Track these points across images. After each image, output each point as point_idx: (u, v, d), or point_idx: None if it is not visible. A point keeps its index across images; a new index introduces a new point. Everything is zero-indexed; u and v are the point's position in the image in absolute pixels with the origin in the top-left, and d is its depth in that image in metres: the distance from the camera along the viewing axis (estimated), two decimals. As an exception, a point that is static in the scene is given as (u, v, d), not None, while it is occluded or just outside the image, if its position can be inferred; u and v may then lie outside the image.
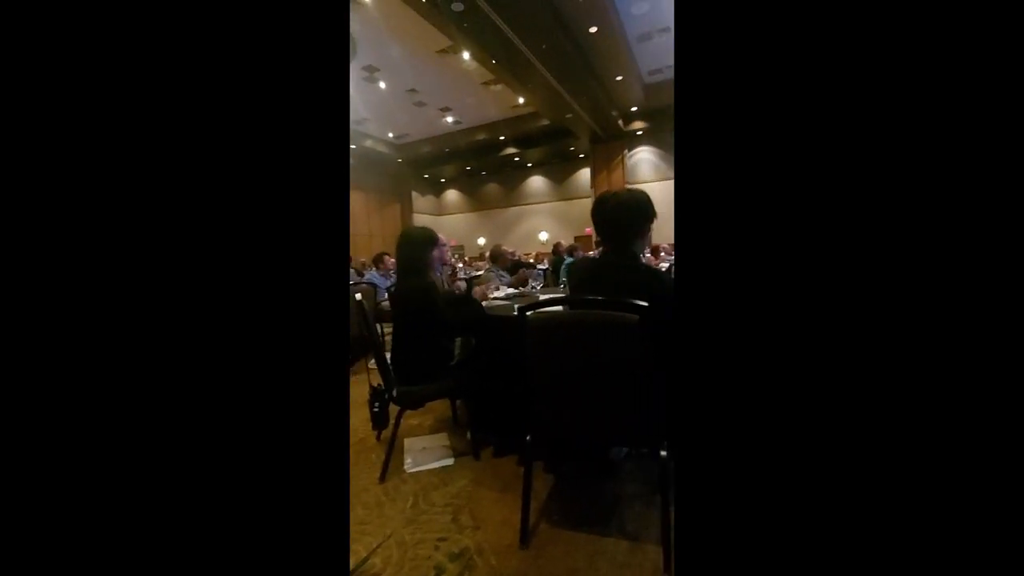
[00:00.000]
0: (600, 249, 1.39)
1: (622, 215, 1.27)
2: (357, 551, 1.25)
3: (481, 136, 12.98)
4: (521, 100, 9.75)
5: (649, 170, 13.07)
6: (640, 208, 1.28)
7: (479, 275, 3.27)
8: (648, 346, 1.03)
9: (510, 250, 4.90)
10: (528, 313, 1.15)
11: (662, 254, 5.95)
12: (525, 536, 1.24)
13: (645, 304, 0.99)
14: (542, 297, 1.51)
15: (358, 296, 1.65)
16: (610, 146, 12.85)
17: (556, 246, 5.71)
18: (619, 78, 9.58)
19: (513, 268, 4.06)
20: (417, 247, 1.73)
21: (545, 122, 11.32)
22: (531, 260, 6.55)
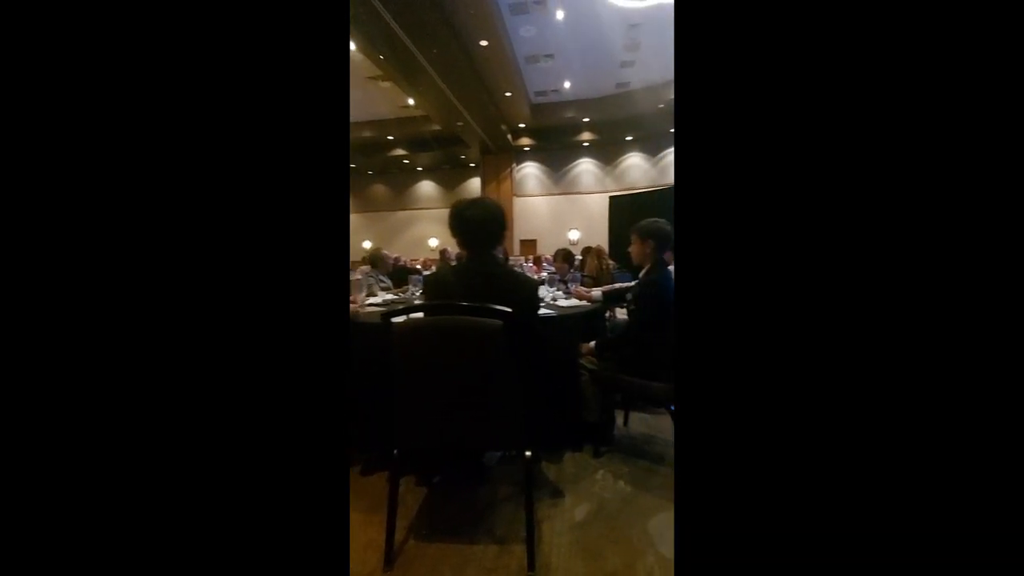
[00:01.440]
0: (462, 256, 1.40)
1: (483, 223, 1.29)
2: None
3: (367, 133, 12.31)
4: (411, 101, 9.52)
5: (536, 185, 13.86)
6: (498, 216, 1.32)
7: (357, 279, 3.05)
8: (515, 350, 1.06)
9: (394, 255, 4.69)
10: (393, 320, 1.10)
11: (544, 264, 6.32)
12: (390, 557, 1.17)
13: (508, 310, 1.03)
14: (427, 295, 1.46)
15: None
16: (500, 158, 13.31)
17: (443, 252, 5.66)
18: (508, 94, 10.01)
19: (396, 273, 3.89)
20: None
21: (436, 127, 11.22)
22: (417, 266, 6.37)
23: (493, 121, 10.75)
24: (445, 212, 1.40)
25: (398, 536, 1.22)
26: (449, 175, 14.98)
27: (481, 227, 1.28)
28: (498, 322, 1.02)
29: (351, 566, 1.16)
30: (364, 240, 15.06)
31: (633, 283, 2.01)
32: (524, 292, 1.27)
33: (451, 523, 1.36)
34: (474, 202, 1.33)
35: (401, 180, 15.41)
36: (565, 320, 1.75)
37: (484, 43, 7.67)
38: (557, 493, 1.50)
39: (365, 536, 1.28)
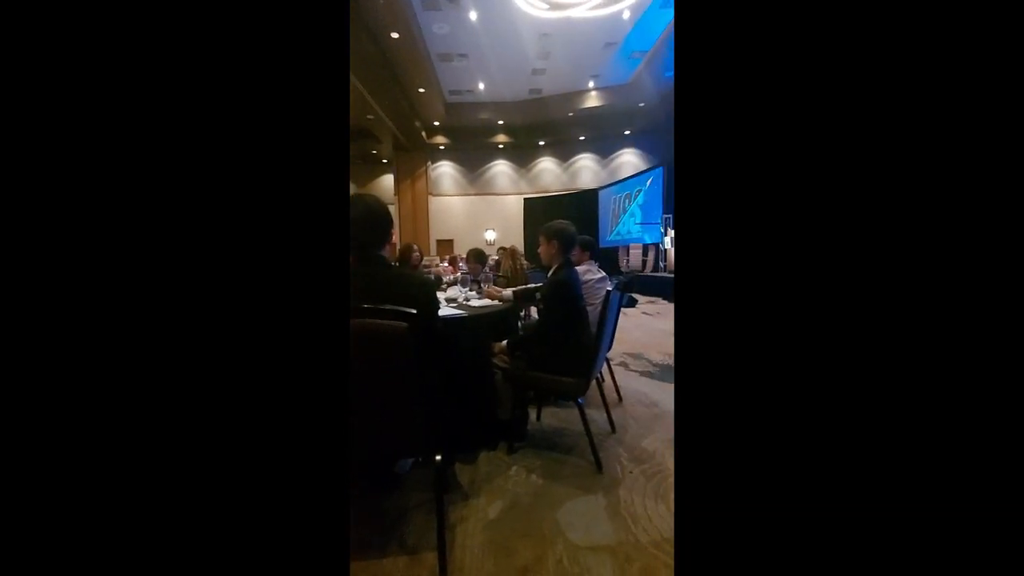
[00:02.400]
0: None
1: (366, 221, 1.19)
2: None
3: (263, 121, 11.13)
4: (314, 90, 8.83)
5: (451, 184, 13.74)
6: (382, 214, 1.23)
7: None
8: (421, 351, 1.03)
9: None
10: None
11: (460, 264, 6.29)
12: (286, 586, 1.06)
13: (413, 311, 1.00)
14: None
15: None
16: (414, 155, 12.95)
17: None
18: (421, 90, 9.79)
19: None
20: None
21: (344, 119, 10.53)
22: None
23: (406, 117, 10.42)
24: (355, 208, 1.28)
25: (296, 562, 1.12)
26: (360, 170, 14.19)
27: (364, 226, 1.18)
28: (402, 324, 0.99)
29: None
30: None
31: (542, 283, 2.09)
32: (420, 293, 1.20)
33: (360, 536, 1.28)
34: (354, 199, 1.19)
35: (304, 174, 14.21)
36: (477, 320, 1.76)
37: (395, 35, 7.40)
38: (471, 494, 1.50)
39: (256, 568, 1.15)
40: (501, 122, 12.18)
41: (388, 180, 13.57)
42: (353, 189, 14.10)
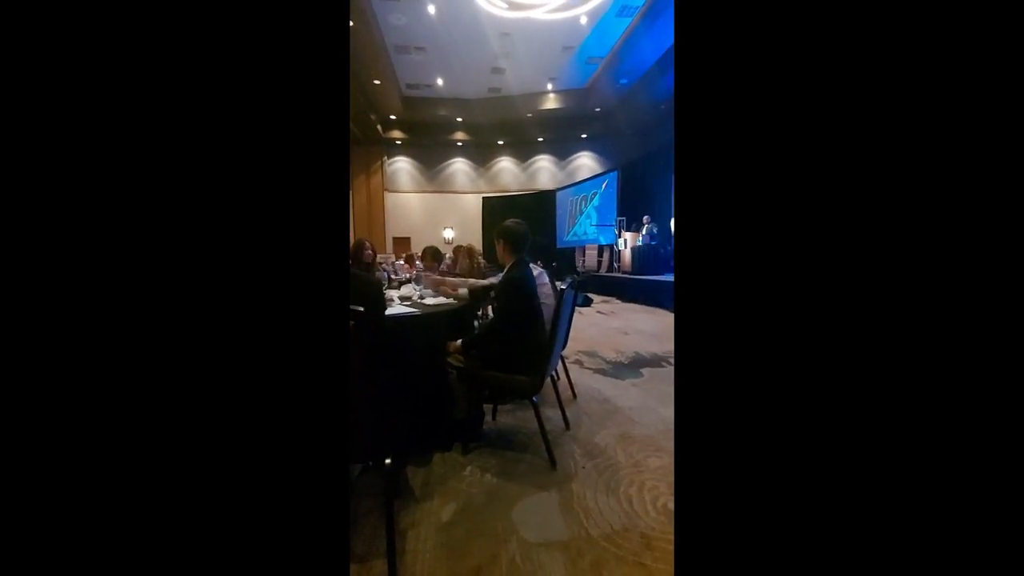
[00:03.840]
0: None
1: None
2: None
3: (201, 105, 10.33)
4: (260, 75, 8.31)
5: (408, 181, 13.42)
6: None
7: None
8: (367, 352, 0.99)
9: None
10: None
11: (418, 263, 6.15)
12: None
13: (360, 308, 0.95)
14: None
15: None
16: (370, 150, 12.54)
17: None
18: (377, 82, 9.49)
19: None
20: None
21: (292, 108, 10.00)
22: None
23: (361, 108, 10.06)
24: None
25: None
26: (310, 163, 13.52)
27: None
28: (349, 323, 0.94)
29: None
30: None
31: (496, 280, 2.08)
32: (367, 293, 1.16)
33: (301, 551, 1.21)
34: None
35: (249, 164, 13.35)
36: (431, 318, 1.72)
37: (350, 24, 7.11)
38: (423, 497, 1.46)
39: None
40: (460, 119, 12.05)
41: (341, 174, 13.03)
42: (303, 182, 13.41)
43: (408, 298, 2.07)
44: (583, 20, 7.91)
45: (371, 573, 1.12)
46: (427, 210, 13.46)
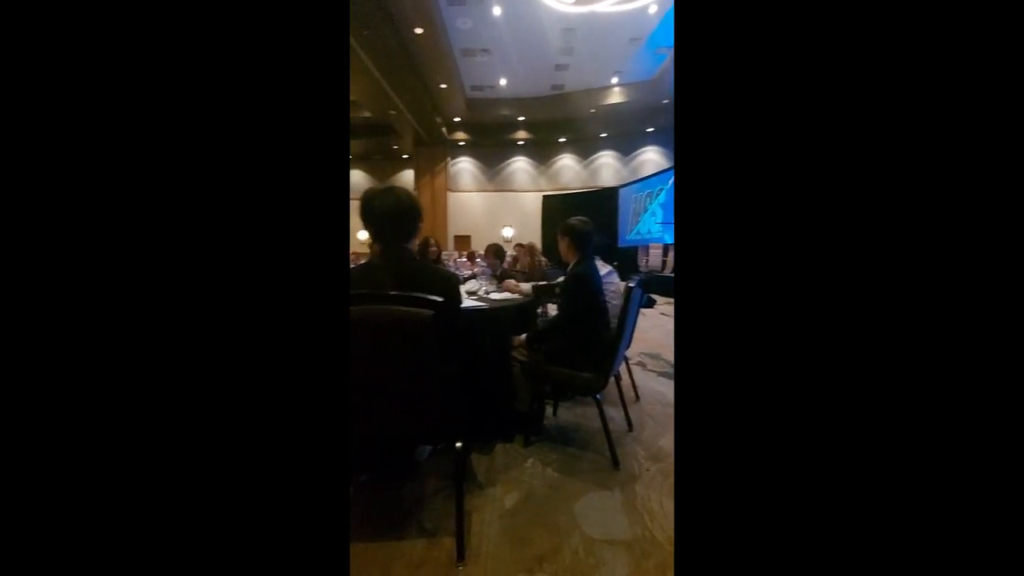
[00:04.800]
0: (377, 249, 1.29)
1: (395, 214, 1.21)
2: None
3: (290, 115, 11.36)
4: (339, 84, 8.96)
5: (470, 180, 13.79)
6: (411, 207, 1.24)
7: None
8: (444, 341, 1.05)
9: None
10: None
11: (478, 260, 6.32)
12: (309, 562, 1.10)
13: (440, 299, 1.01)
14: None
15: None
16: (434, 151, 13.04)
17: (372, 245, 5.42)
18: (443, 86, 9.83)
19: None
20: None
21: (367, 114, 10.69)
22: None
23: (427, 112, 10.50)
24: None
25: (319, 540, 1.15)
26: (381, 165, 14.38)
27: (393, 218, 1.20)
28: (427, 312, 1.01)
29: None
30: (284, 230, 13.92)
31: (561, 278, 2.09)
32: (444, 287, 1.20)
33: (379, 520, 1.31)
34: (385, 191, 1.22)
35: (327, 167, 14.47)
36: (497, 313, 1.77)
37: (419, 31, 7.45)
38: (487, 483, 1.52)
39: (281, 543, 1.19)
40: (522, 118, 12.14)
41: (408, 175, 13.71)
42: (373, 184, 14.30)
43: (474, 293, 2.14)
44: (652, 9, 7.62)
45: (440, 548, 1.19)
46: (488, 209, 13.74)
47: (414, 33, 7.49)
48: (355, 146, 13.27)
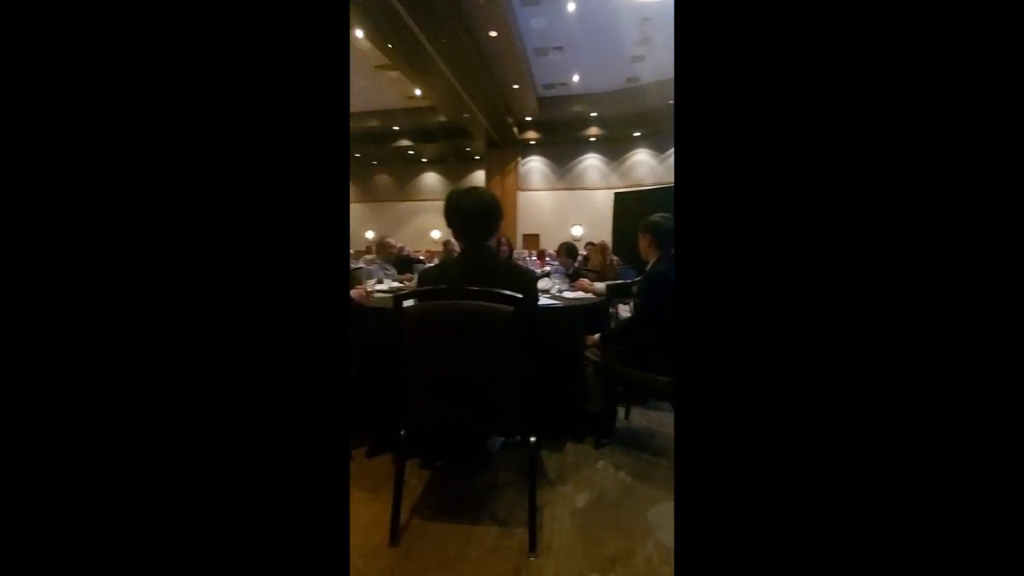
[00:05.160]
0: (459, 247, 1.37)
1: (478, 212, 1.28)
2: None
3: (373, 123, 12.28)
4: (418, 92, 9.47)
5: (540, 179, 13.83)
6: (493, 206, 1.32)
7: (359, 269, 3.06)
8: (521, 336, 1.08)
9: (398, 244, 4.70)
10: (405, 304, 1.12)
11: (548, 259, 6.33)
12: (395, 534, 1.20)
13: (520, 296, 1.04)
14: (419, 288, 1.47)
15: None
16: (505, 151, 13.26)
17: (447, 243, 5.67)
18: (516, 86, 9.95)
19: (400, 262, 3.91)
20: None
21: (442, 118, 11.18)
22: (421, 257, 6.39)
23: (499, 113, 10.70)
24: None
25: (403, 515, 1.25)
26: (454, 167, 14.94)
27: (476, 217, 1.28)
28: (508, 308, 1.04)
29: (357, 541, 1.19)
30: (367, 230, 15.07)
31: (638, 278, 2.03)
32: (523, 283, 1.24)
33: (454, 505, 1.39)
34: (469, 191, 1.32)
35: (405, 171, 15.39)
36: (570, 311, 1.77)
37: (493, 34, 7.61)
38: (558, 480, 1.53)
39: (371, 514, 1.31)
40: (594, 114, 11.90)
41: (479, 176, 14.09)
42: (446, 185, 14.91)
43: (547, 291, 2.16)
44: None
45: (511, 537, 1.22)
46: (557, 207, 13.68)
47: (488, 36, 7.68)
48: (430, 150, 13.93)
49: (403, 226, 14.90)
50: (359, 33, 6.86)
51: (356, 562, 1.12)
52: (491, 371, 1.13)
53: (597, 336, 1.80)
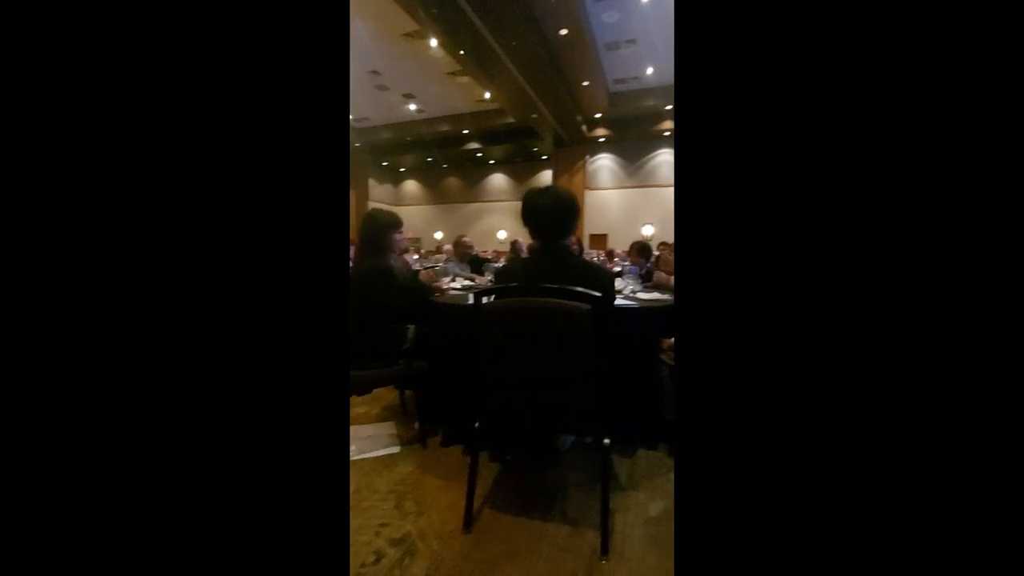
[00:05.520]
0: (536, 245, 1.38)
1: (554, 212, 1.29)
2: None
3: (444, 127, 12.79)
4: (487, 95, 9.70)
5: (608, 177, 13.48)
6: (570, 206, 1.31)
7: (436, 267, 3.22)
8: (597, 336, 1.07)
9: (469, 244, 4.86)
10: (483, 300, 1.16)
11: (616, 259, 6.17)
12: (469, 521, 1.24)
13: (599, 294, 1.03)
14: (498, 285, 1.51)
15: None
16: (572, 150, 13.12)
17: (514, 243, 5.75)
18: (586, 83, 9.80)
19: (471, 262, 4.03)
20: (380, 228, 1.69)
21: (510, 120, 11.33)
22: (488, 257, 6.55)
23: (568, 111, 10.60)
24: (515, 204, 1.41)
25: (475, 504, 1.29)
26: (521, 168, 15.10)
27: (553, 216, 1.29)
28: (586, 306, 1.04)
29: (434, 524, 1.26)
30: (436, 231, 15.76)
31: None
32: (601, 282, 1.23)
33: (524, 499, 1.41)
34: (546, 191, 1.33)
35: (474, 173, 15.84)
36: (646, 313, 1.71)
37: (564, 32, 7.56)
38: (629, 486, 1.49)
39: (445, 500, 1.37)
40: (668, 107, 11.34)
41: (547, 176, 14.09)
42: (513, 186, 15.10)
43: (620, 291, 2.11)
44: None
45: (582, 538, 1.21)
46: (626, 206, 13.25)
47: (558, 35, 7.64)
48: (498, 151, 14.21)
49: (470, 226, 15.36)
50: (433, 42, 7.19)
51: (432, 544, 1.18)
52: (566, 369, 1.13)
53: (673, 340, 1.72)
